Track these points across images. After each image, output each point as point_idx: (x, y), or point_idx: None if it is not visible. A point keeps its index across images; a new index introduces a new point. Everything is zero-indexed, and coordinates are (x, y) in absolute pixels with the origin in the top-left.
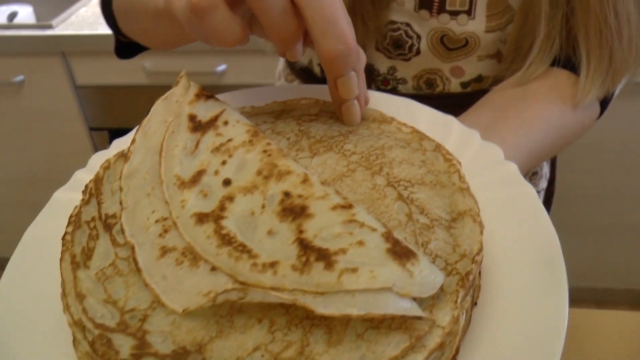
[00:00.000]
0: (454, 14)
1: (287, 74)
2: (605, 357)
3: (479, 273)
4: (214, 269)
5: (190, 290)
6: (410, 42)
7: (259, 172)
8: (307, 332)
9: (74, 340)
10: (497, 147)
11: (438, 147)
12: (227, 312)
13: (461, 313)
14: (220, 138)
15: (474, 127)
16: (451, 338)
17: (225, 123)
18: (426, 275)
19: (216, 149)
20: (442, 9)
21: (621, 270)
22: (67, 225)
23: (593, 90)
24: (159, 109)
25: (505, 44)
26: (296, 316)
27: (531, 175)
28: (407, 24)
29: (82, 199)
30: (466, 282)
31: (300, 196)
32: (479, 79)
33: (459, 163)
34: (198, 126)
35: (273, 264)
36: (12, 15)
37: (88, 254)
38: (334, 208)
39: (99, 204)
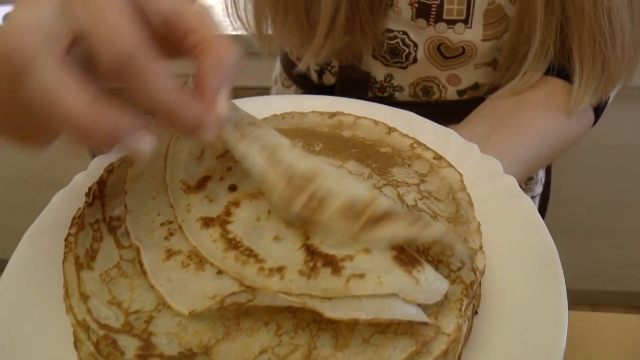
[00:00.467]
0: (451, 22)
1: (284, 79)
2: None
3: (479, 282)
4: (219, 272)
5: (196, 293)
6: (407, 50)
7: None
8: (313, 335)
9: (76, 341)
10: (496, 160)
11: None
12: (233, 315)
13: (464, 321)
14: None
15: (471, 137)
16: (455, 345)
17: None
18: (432, 283)
19: (221, 155)
20: (439, 18)
21: (616, 273)
22: (71, 227)
23: (586, 98)
24: None
25: (501, 51)
26: (303, 320)
27: (527, 181)
28: (404, 33)
29: (86, 201)
30: (470, 291)
31: None
32: (475, 86)
33: (461, 174)
34: None
35: (280, 269)
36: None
37: (92, 255)
38: None
39: (103, 206)
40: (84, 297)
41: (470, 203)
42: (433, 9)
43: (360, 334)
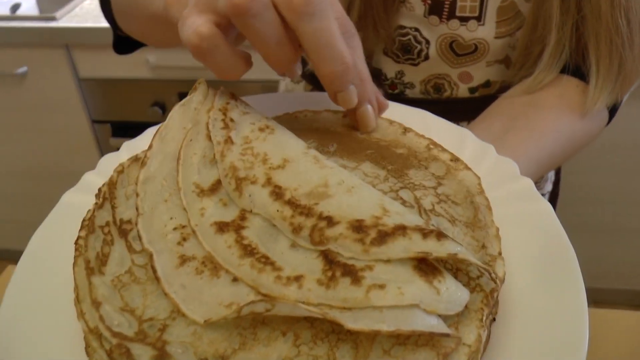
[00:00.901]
0: (464, 20)
1: None
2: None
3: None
4: (235, 279)
5: (211, 301)
6: (419, 47)
7: None
8: (333, 346)
9: (88, 347)
10: (512, 162)
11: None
12: (249, 324)
13: (484, 331)
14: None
15: (484, 137)
16: (475, 356)
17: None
18: (452, 293)
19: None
20: (452, 15)
21: (621, 271)
22: (80, 230)
23: (602, 99)
24: (177, 115)
25: (514, 49)
26: (321, 330)
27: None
28: (416, 29)
29: (96, 203)
30: (490, 300)
31: None
32: (487, 84)
33: (478, 177)
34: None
35: (298, 278)
36: (15, 7)
37: (103, 259)
38: None
39: (113, 208)
40: (96, 304)
41: (489, 207)
42: (446, 6)
43: (381, 346)
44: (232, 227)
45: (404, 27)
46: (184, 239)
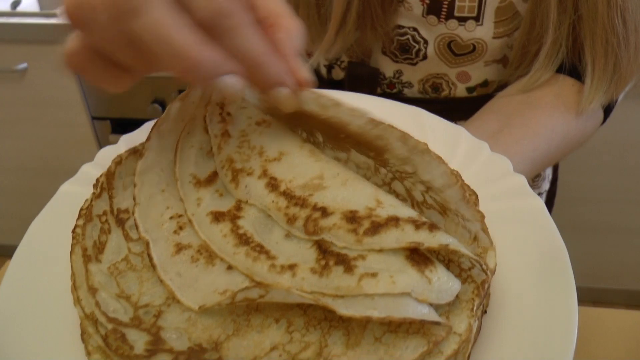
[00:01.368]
0: (462, 20)
1: None
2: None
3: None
4: (230, 267)
5: (206, 288)
6: (417, 47)
7: None
8: (325, 333)
9: (84, 333)
10: (506, 159)
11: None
12: (243, 311)
13: (475, 321)
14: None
15: (480, 135)
16: (465, 345)
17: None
18: (444, 282)
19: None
20: (450, 15)
21: (619, 271)
22: (78, 219)
23: (597, 98)
24: (175, 109)
25: (511, 49)
26: (314, 317)
27: (534, 178)
28: (415, 29)
29: (93, 193)
30: (482, 291)
31: None
32: (484, 83)
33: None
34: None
35: (292, 266)
36: (16, 3)
37: (100, 247)
38: None
39: (111, 198)
40: (92, 290)
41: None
42: (444, 6)
43: (372, 333)
44: (228, 216)
45: (402, 27)
46: (180, 228)
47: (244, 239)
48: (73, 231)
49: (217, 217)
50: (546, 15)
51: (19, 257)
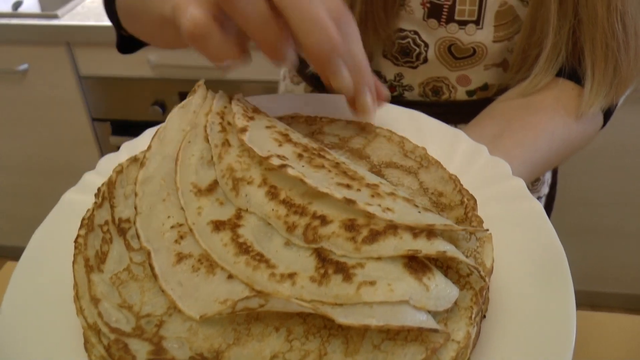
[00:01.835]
0: (463, 23)
1: (292, 75)
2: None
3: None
4: (230, 277)
5: (206, 298)
6: (418, 50)
7: None
8: (324, 341)
9: (87, 343)
10: (505, 163)
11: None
12: (243, 320)
13: (474, 328)
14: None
15: (479, 139)
16: (464, 352)
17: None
18: (442, 290)
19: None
20: (450, 19)
21: (617, 275)
22: (80, 228)
23: (597, 102)
24: (176, 117)
25: (511, 53)
26: (314, 325)
27: (533, 182)
28: (415, 32)
29: (95, 202)
30: (480, 297)
31: None
32: (484, 87)
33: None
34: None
35: (291, 275)
36: (17, 4)
37: (102, 257)
38: None
39: (112, 207)
40: (95, 300)
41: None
42: (445, 10)
43: (371, 341)
44: (228, 225)
45: (404, 30)
46: (181, 237)
47: (244, 248)
48: (75, 241)
49: (218, 226)
50: (546, 19)
51: (23, 266)
